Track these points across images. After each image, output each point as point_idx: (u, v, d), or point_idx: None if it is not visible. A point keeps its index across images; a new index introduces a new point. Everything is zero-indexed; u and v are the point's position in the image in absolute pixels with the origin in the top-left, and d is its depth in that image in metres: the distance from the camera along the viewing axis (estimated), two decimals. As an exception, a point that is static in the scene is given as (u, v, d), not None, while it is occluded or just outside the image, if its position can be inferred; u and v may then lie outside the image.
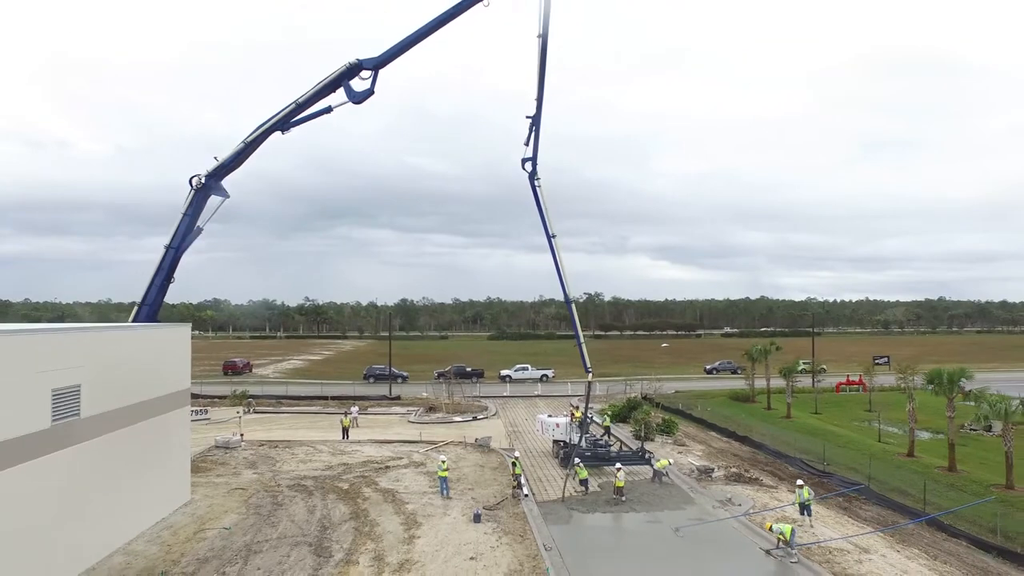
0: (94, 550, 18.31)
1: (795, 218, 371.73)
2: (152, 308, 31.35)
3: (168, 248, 31.05)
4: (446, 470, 25.96)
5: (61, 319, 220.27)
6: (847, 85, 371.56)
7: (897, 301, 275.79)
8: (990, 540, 21.72)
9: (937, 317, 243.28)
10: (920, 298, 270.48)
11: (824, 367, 79.18)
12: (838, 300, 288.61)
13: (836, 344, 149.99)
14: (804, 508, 24.21)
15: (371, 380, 70.59)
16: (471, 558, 19.23)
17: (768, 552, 20.63)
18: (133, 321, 31.23)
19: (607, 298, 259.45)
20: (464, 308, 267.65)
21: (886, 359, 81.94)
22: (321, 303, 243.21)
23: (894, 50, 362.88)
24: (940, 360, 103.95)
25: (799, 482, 25.57)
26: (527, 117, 29.53)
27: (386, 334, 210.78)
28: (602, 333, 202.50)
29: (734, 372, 76.10)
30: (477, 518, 22.81)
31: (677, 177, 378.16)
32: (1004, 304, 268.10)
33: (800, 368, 68.14)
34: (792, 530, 20.82)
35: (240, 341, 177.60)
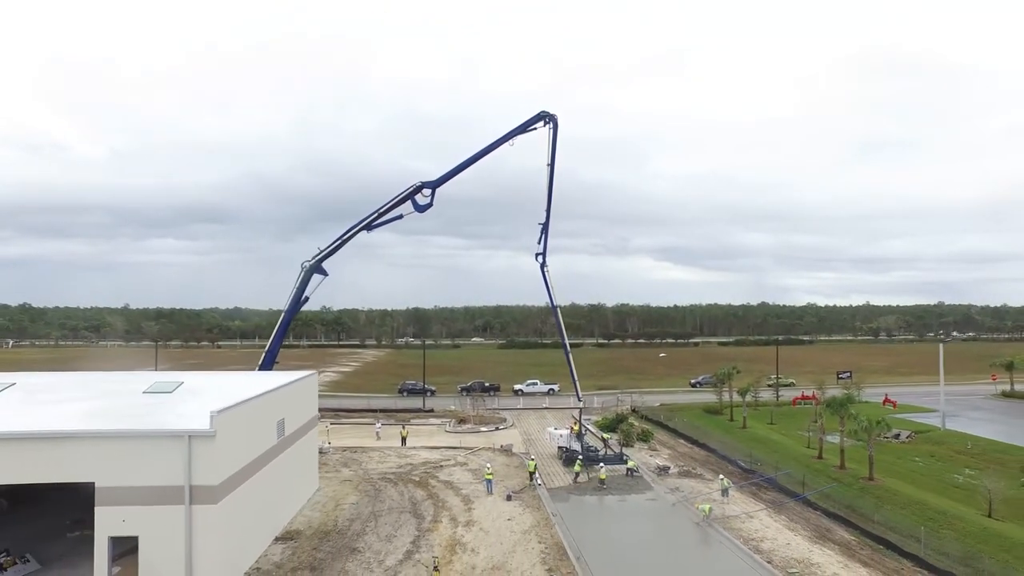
0: (287, 514, 31.22)
1: (796, 219, 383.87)
2: (273, 355, 44.63)
3: (285, 313, 44.27)
4: (491, 473, 38.54)
5: (96, 328, 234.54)
6: (846, 85, 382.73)
7: (897, 305, 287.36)
8: (834, 511, 34.29)
9: (926, 325, 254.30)
10: (923, 300, 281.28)
11: (793, 381, 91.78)
12: (838, 305, 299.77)
13: (824, 354, 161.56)
14: (724, 492, 36.97)
15: (405, 394, 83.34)
16: (508, 519, 32.05)
17: (697, 523, 33.07)
18: (261, 366, 44.42)
19: (611, 304, 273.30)
20: (474, 315, 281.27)
21: (849, 374, 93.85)
22: (336, 310, 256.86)
23: (891, 49, 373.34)
24: (909, 371, 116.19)
25: (721, 476, 38.40)
26: (539, 224, 42.40)
27: (402, 342, 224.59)
28: (604, 342, 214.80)
29: (715, 386, 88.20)
30: (509, 498, 35.64)
31: (677, 178, 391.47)
32: (999, 310, 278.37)
33: (771, 382, 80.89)
34: (710, 508, 33.48)
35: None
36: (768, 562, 27.20)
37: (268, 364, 43.96)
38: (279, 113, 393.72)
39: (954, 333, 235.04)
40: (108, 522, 21.41)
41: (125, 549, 22.45)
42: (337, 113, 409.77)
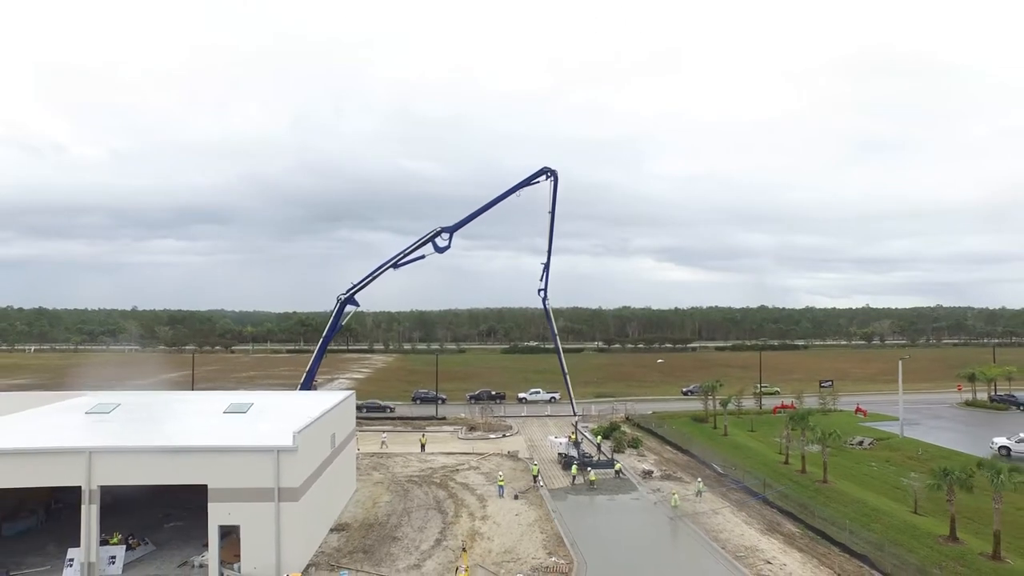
0: (337, 510, 38.27)
1: (796, 220, 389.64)
2: (312, 375, 51.70)
3: (322, 339, 51.36)
4: (503, 480, 45.40)
5: (112, 333, 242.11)
6: (844, 86, 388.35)
7: (895, 308, 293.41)
8: (787, 508, 41.19)
9: (919, 330, 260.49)
10: (925, 301, 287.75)
11: (778, 389, 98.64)
12: (838, 307, 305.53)
13: (815, 360, 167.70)
14: (699, 493, 43.93)
15: (418, 402, 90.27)
16: (516, 515, 39.07)
17: (671, 519, 40.02)
18: (302, 386, 51.49)
19: (613, 307, 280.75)
20: (478, 319, 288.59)
21: (830, 383, 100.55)
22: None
23: (890, 49, 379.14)
24: (892, 379, 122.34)
25: (699, 478, 45.37)
26: (541, 263, 49.41)
27: (408, 347, 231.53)
28: (605, 347, 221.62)
29: (703, 395, 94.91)
30: (516, 497, 42.63)
31: (676, 179, 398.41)
32: (994, 313, 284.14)
33: (758, 390, 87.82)
34: (676, 501, 40.40)
35: (278, 356, 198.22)
36: (722, 548, 34.18)
37: (307, 384, 51.04)
38: (277, 114, 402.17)
39: (944, 339, 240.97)
40: (218, 514, 28.44)
41: (223, 533, 29.46)
42: (335, 114, 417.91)
